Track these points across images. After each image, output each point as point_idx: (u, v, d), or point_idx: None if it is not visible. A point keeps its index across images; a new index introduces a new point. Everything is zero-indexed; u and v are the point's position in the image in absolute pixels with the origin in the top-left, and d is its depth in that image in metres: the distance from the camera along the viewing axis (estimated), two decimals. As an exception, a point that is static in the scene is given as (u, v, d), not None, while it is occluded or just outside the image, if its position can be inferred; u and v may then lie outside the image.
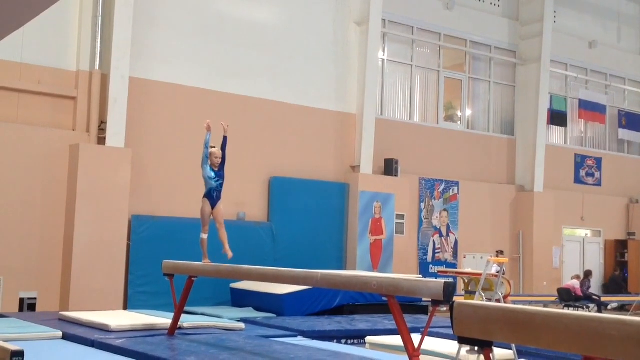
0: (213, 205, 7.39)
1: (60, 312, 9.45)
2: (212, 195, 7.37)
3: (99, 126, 11.93)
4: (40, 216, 11.42)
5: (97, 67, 12.00)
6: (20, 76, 11.56)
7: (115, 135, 11.81)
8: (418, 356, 5.20)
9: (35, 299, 11.27)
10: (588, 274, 16.78)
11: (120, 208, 11.72)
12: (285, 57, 14.24)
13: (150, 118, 12.62)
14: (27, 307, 11.17)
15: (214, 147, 7.43)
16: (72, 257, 11.24)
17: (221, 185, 7.43)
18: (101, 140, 11.88)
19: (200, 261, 7.66)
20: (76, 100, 11.95)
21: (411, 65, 16.53)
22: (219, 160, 7.39)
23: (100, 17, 12.00)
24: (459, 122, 17.68)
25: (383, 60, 16.01)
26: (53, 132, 11.65)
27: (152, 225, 12.21)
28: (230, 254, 7.38)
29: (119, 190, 11.69)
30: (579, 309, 15.37)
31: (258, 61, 13.87)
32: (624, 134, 20.52)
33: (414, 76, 16.56)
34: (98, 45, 12.01)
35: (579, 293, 15.99)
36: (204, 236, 7.49)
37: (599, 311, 15.71)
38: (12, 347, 3.97)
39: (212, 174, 7.38)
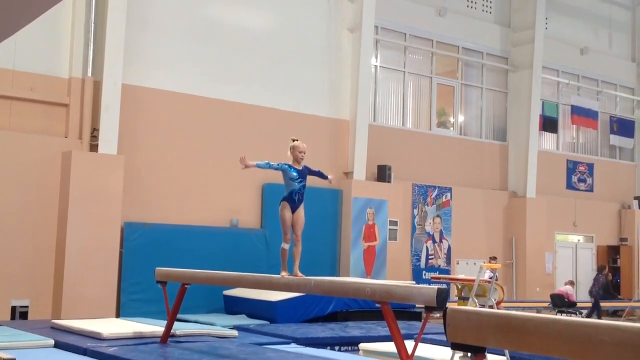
0: (294, 209, 6.57)
1: (53, 320, 9.41)
2: (294, 198, 6.56)
3: (92, 133, 11.91)
4: (33, 224, 11.37)
5: (89, 74, 11.98)
6: (13, 83, 11.53)
7: (108, 142, 11.79)
8: (411, 363, 5.19)
9: (27, 307, 11.21)
10: (602, 269, 16.91)
11: (112, 215, 11.69)
12: (278, 64, 14.25)
13: (142, 125, 12.61)
14: (19, 315, 11.11)
15: (297, 139, 6.69)
16: (65, 264, 11.19)
17: (304, 187, 6.61)
18: (93, 147, 11.85)
19: (198, 268, 7.62)
20: (68, 107, 11.93)
21: (404, 71, 16.57)
22: (303, 155, 6.59)
23: (92, 24, 11.99)
24: (451, 129, 17.72)
25: (376, 66, 16.05)
26: (45, 139, 11.62)
27: (145, 232, 12.17)
28: (299, 275, 6.55)
29: (112, 197, 11.66)
30: (572, 314, 15.39)
31: (251, 68, 13.88)
32: (616, 139, 20.60)
33: (406, 82, 16.60)
34: (90, 52, 12.00)
35: (572, 299, 16.02)
36: (285, 246, 6.65)
37: (598, 316, 15.68)
38: (4, 355, 3.95)
39: (295, 174, 6.56)
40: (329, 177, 6.86)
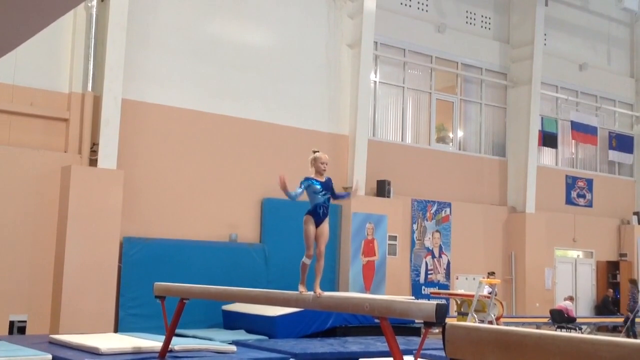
0: (318, 223, 6.34)
1: (51, 335, 9.38)
2: (318, 212, 6.34)
3: (91, 148, 11.92)
4: (31, 238, 11.35)
5: (89, 89, 12.01)
6: (13, 98, 11.56)
7: (107, 157, 11.80)
8: (411, 378, 5.17)
9: (25, 321, 11.17)
10: (634, 282, 16.90)
11: (111, 230, 11.67)
12: (278, 79, 14.29)
13: (142, 140, 12.63)
14: (17, 330, 11.07)
15: (318, 151, 6.52)
16: (63, 279, 11.16)
17: (329, 200, 6.40)
18: (93, 162, 11.86)
19: (197, 283, 7.60)
20: (68, 122, 11.95)
21: (403, 87, 16.61)
22: (325, 167, 6.43)
23: (93, 39, 12.03)
24: (450, 144, 17.74)
25: (375, 82, 16.09)
26: (45, 153, 11.63)
27: (144, 247, 12.15)
28: (319, 292, 6.24)
29: (111, 212, 11.65)
30: (572, 330, 15.35)
31: (251, 83, 13.92)
32: (614, 155, 20.62)
33: (406, 98, 16.64)
34: (91, 67, 12.03)
35: (572, 314, 15.98)
36: (307, 261, 6.40)
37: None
38: (2, 370, 3.93)
39: (319, 187, 6.36)
40: (351, 190, 6.59)
